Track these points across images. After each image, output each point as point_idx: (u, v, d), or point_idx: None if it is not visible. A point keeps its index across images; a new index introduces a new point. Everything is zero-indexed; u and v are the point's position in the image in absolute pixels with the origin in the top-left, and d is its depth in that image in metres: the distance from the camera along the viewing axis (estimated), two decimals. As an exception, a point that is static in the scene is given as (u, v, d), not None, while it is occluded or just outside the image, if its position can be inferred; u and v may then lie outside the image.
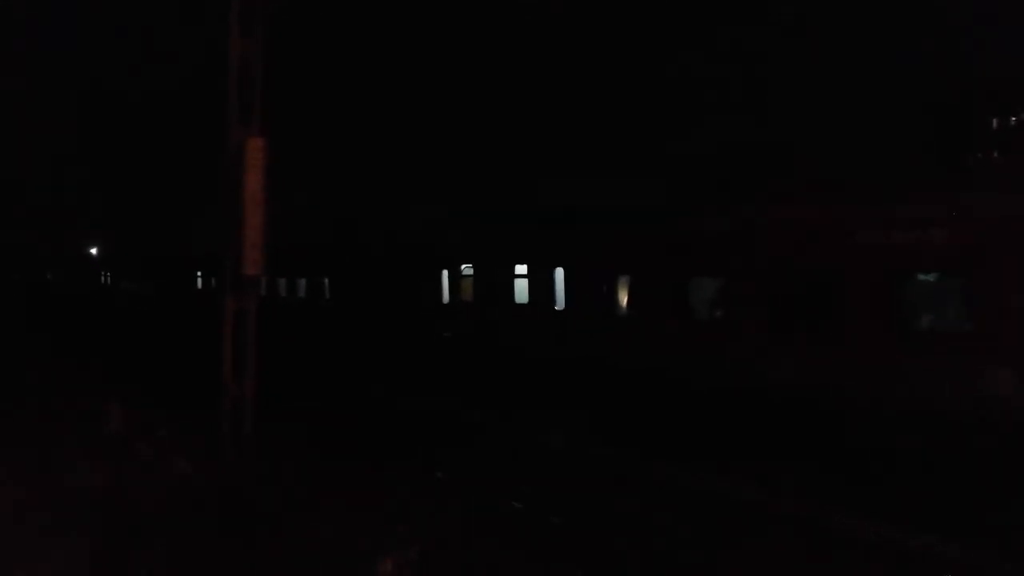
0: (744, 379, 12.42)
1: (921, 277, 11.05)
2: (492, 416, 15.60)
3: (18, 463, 10.51)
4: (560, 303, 16.54)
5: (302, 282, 28.44)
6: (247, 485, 8.39)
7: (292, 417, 14.57)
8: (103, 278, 57.37)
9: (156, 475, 9.69)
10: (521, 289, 17.64)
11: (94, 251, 64.56)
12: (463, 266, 19.62)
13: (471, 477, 11.60)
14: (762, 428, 11.81)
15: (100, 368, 20.72)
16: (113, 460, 10.34)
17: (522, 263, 17.62)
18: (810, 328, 11.68)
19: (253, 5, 9.06)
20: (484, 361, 18.23)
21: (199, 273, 37.28)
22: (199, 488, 8.88)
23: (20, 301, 48.06)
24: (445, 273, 20.30)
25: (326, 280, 26.70)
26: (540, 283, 17.01)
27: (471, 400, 16.86)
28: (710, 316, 13.59)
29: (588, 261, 15.90)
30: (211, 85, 9.48)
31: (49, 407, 14.50)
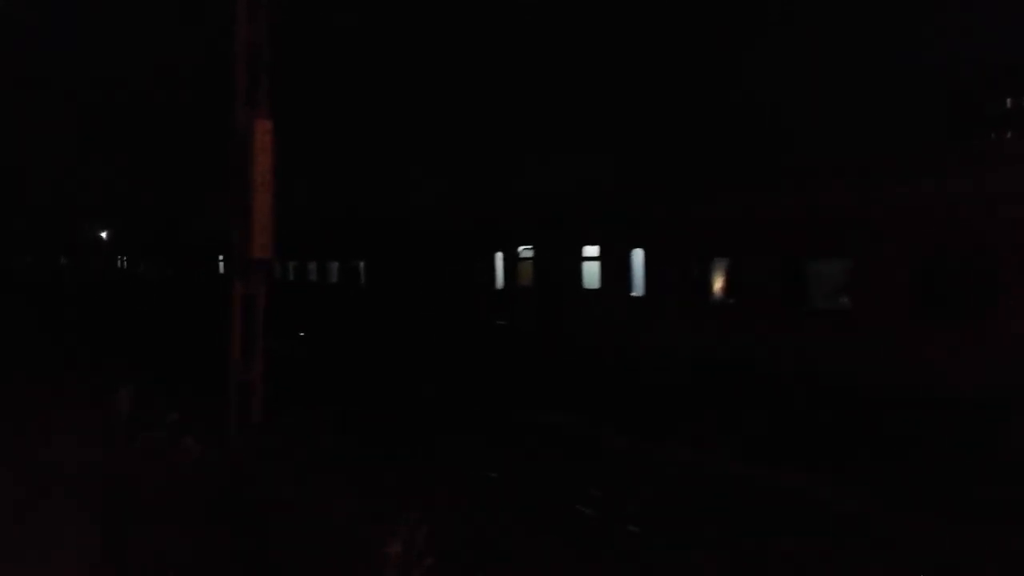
0: (875, 376, 10.77)
1: None
2: (555, 415, 14.39)
3: (27, 445, 10.55)
4: (638, 288, 14.82)
5: (334, 266, 26.65)
6: (254, 470, 8.39)
7: (316, 408, 14.31)
8: (119, 263, 57.18)
9: (163, 459, 9.67)
10: (591, 273, 15.96)
11: (104, 235, 64.66)
12: (521, 248, 17.82)
13: (534, 480, 10.74)
14: (902, 434, 10.27)
15: (115, 352, 20.81)
16: (121, 443, 10.35)
17: (592, 244, 15.87)
18: (967, 317, 9.90)
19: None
20: (544, 352, 16.73)
21: (220, 257, 36.62)
22: (206, 472, 8.87)
23: (36, 287, 48.21)
24: (499, 256, 18.48)
25: (361, 264, 24.86)
26: (614, 266, 15.25)
27: (526, 397, 15.57)
28: (832, 304, 11.67)
29: (675, 241, 14.08)
30: (222, 62, 9.38)
31: (61, 391, 14.57)
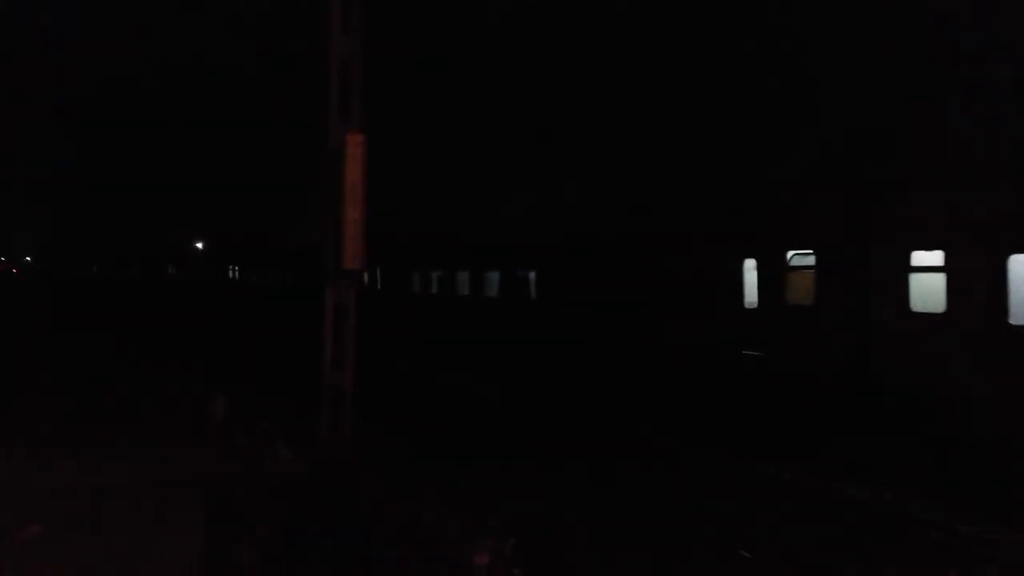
0: None
1: None
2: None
3: (128, 451, 10.95)
4: None
5: (493, 276, 21.99)
6: (342, 476, 8.52)
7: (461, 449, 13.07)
8: (230, 273, 58.14)
9: (256, 464, 9.93)
10: (925, 290, 11.66)
11: (199, 246, 66.82)
12: (791, 253, 13.56)
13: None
14: None
15: (218, 359, 21.64)
16: (216, 449, 10.69)
17: (930, 248, 11.55)
18: None
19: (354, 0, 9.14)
20: (827, 395, 12.50)
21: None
22: (297, 477, 9.06)
23: (148, 296, 50.22)
24: (750, 264, 14.26)
25: (531, 274, 20.25)
26: (975, 281, 10.81)
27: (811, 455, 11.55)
28: None
29: None
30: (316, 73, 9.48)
31: (163, 398, 15.13)
